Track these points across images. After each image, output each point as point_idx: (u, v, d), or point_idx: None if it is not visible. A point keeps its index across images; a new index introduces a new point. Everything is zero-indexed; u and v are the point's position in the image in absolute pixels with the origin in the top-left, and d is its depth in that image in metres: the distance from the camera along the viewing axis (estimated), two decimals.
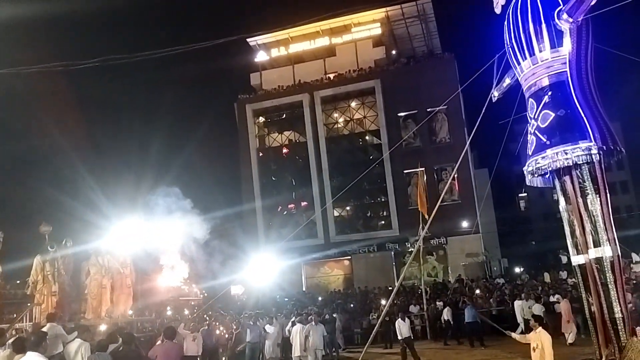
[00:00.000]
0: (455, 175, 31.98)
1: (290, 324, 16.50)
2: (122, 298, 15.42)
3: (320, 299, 27.91)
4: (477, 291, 23.21)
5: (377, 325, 9.54)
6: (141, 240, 16.85)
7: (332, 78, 39.83)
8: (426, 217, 13.00)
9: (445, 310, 19.39)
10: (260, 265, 20.11)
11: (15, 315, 14.13)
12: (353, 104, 39.44)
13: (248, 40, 41.24)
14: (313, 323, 14.70)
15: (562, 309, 16.67)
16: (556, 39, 9.49)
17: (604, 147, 9.03)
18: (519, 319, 18.10)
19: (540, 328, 8.54)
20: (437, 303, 21.43)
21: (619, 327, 8.91)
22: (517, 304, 18.58)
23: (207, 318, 17.61)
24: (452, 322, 18.91)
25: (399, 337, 15.09)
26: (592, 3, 8.91)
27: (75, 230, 14.79)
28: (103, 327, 12.97)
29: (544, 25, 9.53)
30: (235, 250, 25.42)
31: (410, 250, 32.03)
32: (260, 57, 42.42)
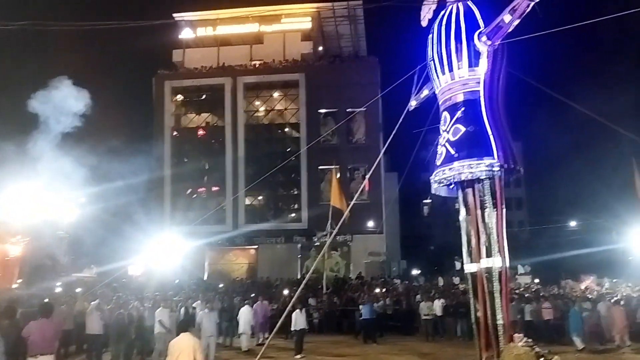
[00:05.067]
0: (367, 176, 32.87)
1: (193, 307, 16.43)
2: (9, 271, 14.41)
3: (221, 285, 27.65)
4: (377, 289, 24.04)
5: (282, 316, 9.62)
6: (34, 211, 15.83)
7: (257, 65, 39.44)
8: (344, 210, 13.31)
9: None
10: (163, 247, 19.55)
11: None
12: (276, 95, 39.33)
13: (174, 15, 39.81)
14: (206, 310, 14.56)
15: None
16: (474, 59, 10.01)
17: (506, 165, 9.66)
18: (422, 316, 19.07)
19: None
20: (335, 299, 22.00)
21: (500, 333, 9.61)
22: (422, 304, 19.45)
23: (114, 297, 16.93)
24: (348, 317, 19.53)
25: (293, 328, 15.45)
26: (509, 30, 9.48)
27: None
28: None
29: (464, 44, 10.02)
30: (138, 229, 24.51)
31: (316, 244, 32.53)
32: (186, 34, 41.15)
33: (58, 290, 18.17)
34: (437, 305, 18.93)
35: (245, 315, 16.31)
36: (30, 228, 16.35)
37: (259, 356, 7.61)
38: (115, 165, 21.71)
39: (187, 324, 8.42)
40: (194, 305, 16.95)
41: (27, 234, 16.24)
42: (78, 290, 18.41)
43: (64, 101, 14.34)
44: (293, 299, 9.15)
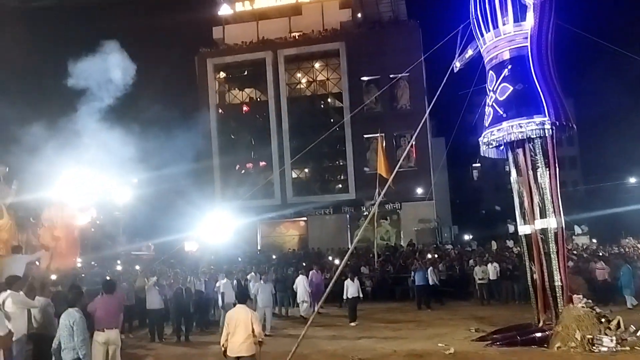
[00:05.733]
0: (413, 142, 32.41)
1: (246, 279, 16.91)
2: (71, 250, 15.14)
3: (274, 257, 28.21)
4: (429, 255, 23.92)
5: (330, 285, 9.74)
6: (93, 192, 16.46)
7: (296, 37, 39.17)
8: (390, 182, 13.19)
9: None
10: (216, 223, 20.03)
11: None
12: (317, 65, 39.05)
13: None
14: (262, 281, 14.94)
15: None
16: (520, 13, 9.60)
17: (557, 122, 9.32)
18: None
19: None
20: (388, 267, 22.04)
21: (558, 295, 9.41)
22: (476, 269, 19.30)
23: (171, 273, 17.62)
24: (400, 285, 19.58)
25: (345, 297, 15.69)
26: None
27: (25, 178, 14.29)
28: (53, 277, 12.75)
29: None
30: (190, 207, 25.19)
31: (365, 213, 32.57)
32: (224, 10, 41.18)
33: (118, 268, 18.97)
34: (491, 269, 18.72)
35: (302, 284, 16.72)
36: (90, 209, 17.07)
37: (308, 323, 7.74)
38: (164, 145, 22.27)
39: (243, 296, 8.61)
40: (247, 277, 17.39)
41: (87, 215, 16.97)
42: (137, 267, 19.16)
43: (112, 71, 14.67)
44: (340, 268, 9.20)
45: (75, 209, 15.56)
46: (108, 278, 11.44)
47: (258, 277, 15.73)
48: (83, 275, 15.67)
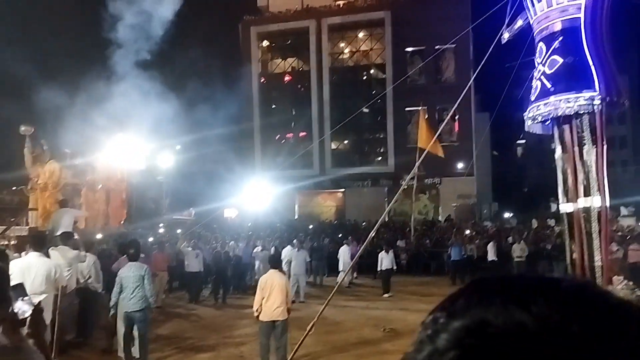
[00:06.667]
0: (456, 117, 31.73)
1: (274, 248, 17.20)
2: (117, 212, 15.70)
3: (311, 227, 28.49)
4: (467, 231, 23.68)
5: (356, 256, 9.80)
6: (137, 157, 16.95)
7: (341, 5, 38.58)
8: (434, 152, 13.01)
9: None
10: (255, 190, 20.37)
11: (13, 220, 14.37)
12: (360, 35, 38.49)
13: None
14: (296, 250, 15.10)
15: None
16: None
17: (607, 98, 8.93)
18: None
19: None
20: (426, 240, 21.98)
21: (597, 275, 9.19)
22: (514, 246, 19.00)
23: (214, 237, 18.14)
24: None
25: (380, 269, 15.81)
26: None
27: (71, 141, 14.79)
28: (99, 236, 13.30)
29: None
30: (230, 174, 25.62)
31: (404, 188, 32.31)
32: None
33: (161, 230, 19.57)
34: (522, 248, 18.37)
35: (344, 254, 16.97)
36: (135, 173, 17.61)
37: (334, 289, 7.83)
38: (207, 112, 22.61)
39: (276, 261, 8.79)
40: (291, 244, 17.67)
41: (133, 178, 17.51)
42: (178, 231, 19.73)
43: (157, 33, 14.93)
44: (367, 239, 9.24)
45: (123, 173, 16.08)
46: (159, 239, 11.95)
47: (293, 245, 15.95)
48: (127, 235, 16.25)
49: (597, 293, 0.50)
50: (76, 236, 9.57)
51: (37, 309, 2.79)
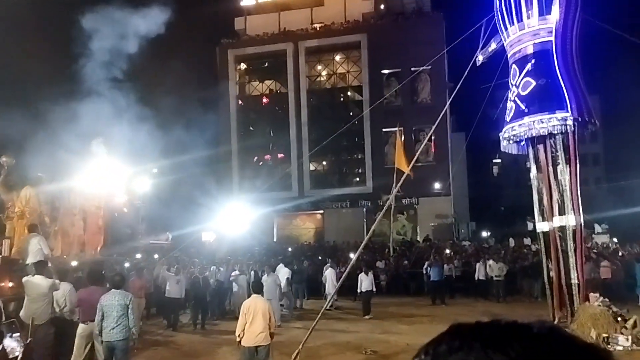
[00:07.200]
0: (432, 137, 32.12)
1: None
2: (94, 238, 15.34)
3: (290, 249, 28.31)
4: (447, 251, 23.78)
5: (342, 278, 9.76)
6: (114, 181, 16.67)
7: (318, 29, 39.04)
8: (408, 172, 13.18)
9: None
10: (233, 213, 20.19)
11: None
12: (337, 57, 38.91)
13: None
14: (265, 275, 14.49)
15: None
16: (545, 7, 9.45)
17: (579, 118, 9.17)
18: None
19: None
20: (403, 261, 22.00)
21: (574, 292, 9.30)
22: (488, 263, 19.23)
23: (193, 262, 17.86)
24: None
25: (359, 290, 15.75)
26: None
27: (45, 166, 14.49)
28: (74, 264, 12.95)
29: None
30: (208, 197, 25.37)
31: (385, 209, 32.41)
32: (246, 1, 41.22)
33: (138, 256, 19.19)
34: (501, 267, 18.59)
35: (331, 277, 17.10)
36: (112, 199, 17.28)
37: (319, 315, 7.77)
38: (184, 135, 22.47)
39: (258, 286, 8.68)
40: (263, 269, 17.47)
41: (109, 204, 17.17)
42: (155, 256, 19.38)
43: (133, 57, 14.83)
44: (351, 262, 9.23)
45: (101, 198, 15.77)
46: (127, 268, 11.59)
47: (263, 272, 15.46)
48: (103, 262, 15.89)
49: (565, 336, 0.56)
50: (49, 264, 9.32)
51: (28, 349, 2.70)
